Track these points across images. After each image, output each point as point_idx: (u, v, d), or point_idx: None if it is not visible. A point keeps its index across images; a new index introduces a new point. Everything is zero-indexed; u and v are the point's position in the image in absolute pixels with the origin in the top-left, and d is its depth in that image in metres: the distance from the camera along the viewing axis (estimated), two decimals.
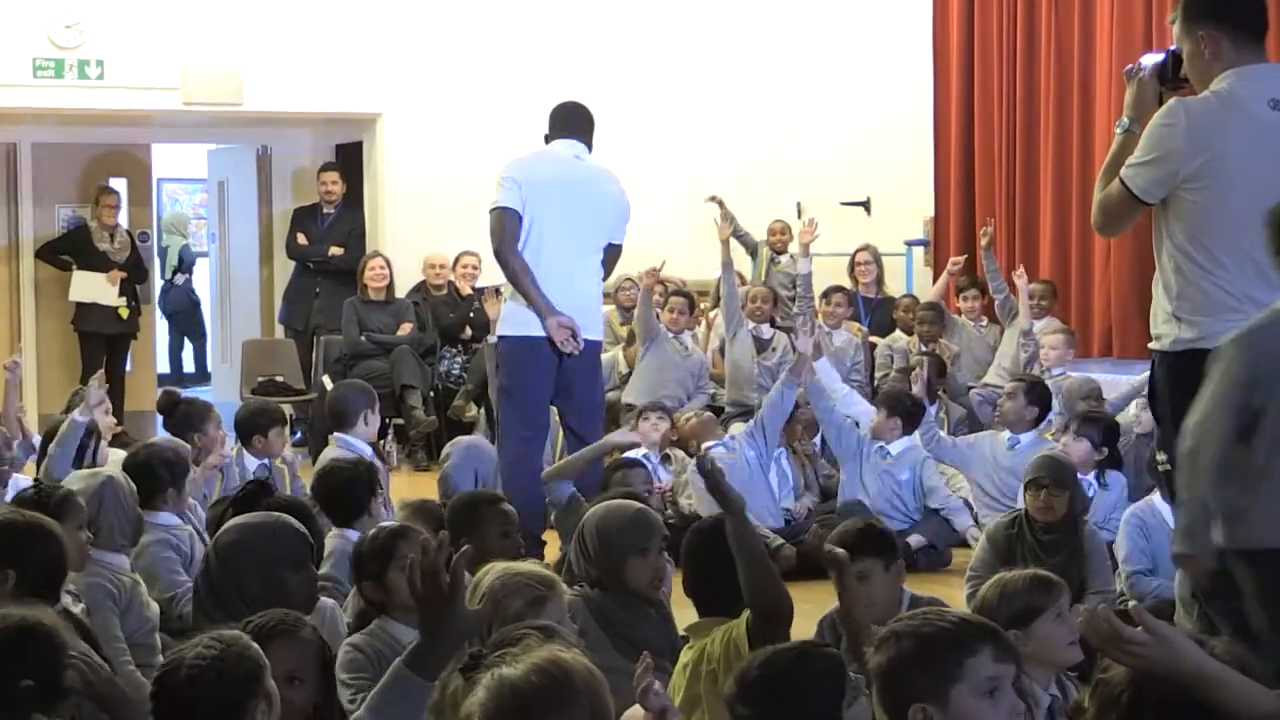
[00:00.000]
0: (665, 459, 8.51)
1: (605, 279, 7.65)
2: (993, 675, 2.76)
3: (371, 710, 2.94)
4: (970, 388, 10.01)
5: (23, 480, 6.17)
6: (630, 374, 10.49)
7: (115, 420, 8.47)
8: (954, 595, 5.81)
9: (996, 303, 10.42)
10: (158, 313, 15.62)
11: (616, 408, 9.70)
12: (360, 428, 7.02)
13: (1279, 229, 4.12)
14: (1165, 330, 4.61)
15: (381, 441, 7.33)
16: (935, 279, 11.54)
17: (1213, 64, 4.59)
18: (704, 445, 8.58)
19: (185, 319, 17.66)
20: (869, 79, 12.75)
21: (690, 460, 8.25)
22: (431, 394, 11.63)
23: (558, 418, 7.77)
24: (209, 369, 16.88)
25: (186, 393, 8.84)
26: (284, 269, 13.30)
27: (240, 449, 7.24)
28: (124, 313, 12.49)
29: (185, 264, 17.74)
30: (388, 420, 10.85)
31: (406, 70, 12.75)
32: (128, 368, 12.93)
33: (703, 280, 12.16)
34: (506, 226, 7.17)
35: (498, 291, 9.50)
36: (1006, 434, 8.27)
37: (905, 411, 8.32)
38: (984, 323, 10.73)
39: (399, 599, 3.99)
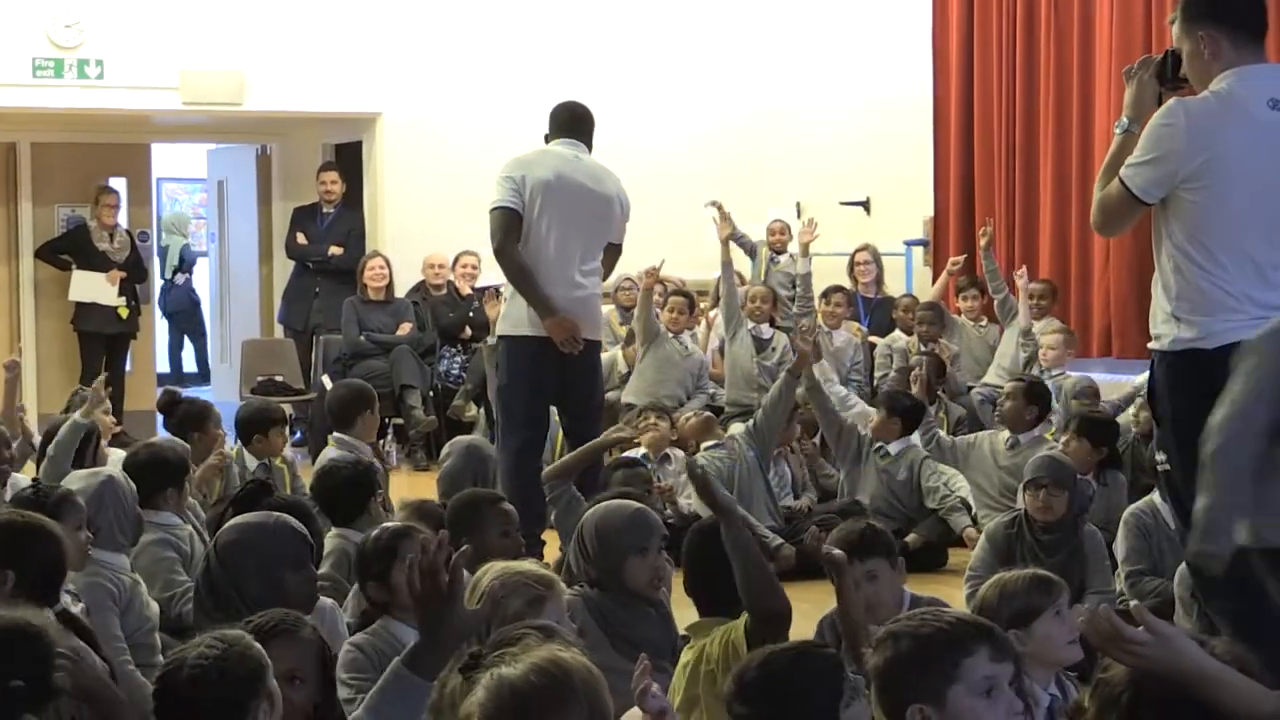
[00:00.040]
0: (665, 459, 8.51)
1: (605, 279, 7.65)
2: (989, 675, 2.76)
3: (370, 710, 2.94)
4: (970, 387, 10.02)
5: (22, 480, 6.17)
6: (630, 373, 10.49)
7: (115, 420, 8.48)
8: (954, 595, 5.81)
9: (996, 302, 10.42)
10: (157, 312, 15.62)
11: (616, 407, 9.71)
12: (359, 427, 7.03)
13: None
14: (1164, 330, 4.61)
15: (381, 441, 7.34)
16: (935, 279, 11.55)
17: (1212, 64, 4.59)
18: (704, 445, 8.59)
19: (186, 318, 17.67)
20: (869, 79, 12.75)
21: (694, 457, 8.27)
22: (431, 394, 11.63)
23: (557, 418, 7.77)
24: (210, 369, 16.89)
25: (186, 392, 8.84)
26: (283, 269, 13.30)
27: (240, 449, 7.24)
28: (123, 312, 12.49)
29: (186, 264, 17.74)
30: (387, 420, 10.85)
31: (406, 70, 12.76)
32: (127, 367, 12.94)
33: (702, 280, 12.17)
34: (506, 226, 7.17)
35: (498, 292, 9.50)
36: (1006, 434, 8.27)
37: (905, 411, 8.32)
38: (983, 322, 10.73)
39: (402, 599, 3.99)
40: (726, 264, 10.28)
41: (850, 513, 7.60)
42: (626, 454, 8.30)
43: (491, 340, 9.25)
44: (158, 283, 15.80)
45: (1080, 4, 10.90)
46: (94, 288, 12.40)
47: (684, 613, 4.44)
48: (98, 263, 12.44)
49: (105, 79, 12.15)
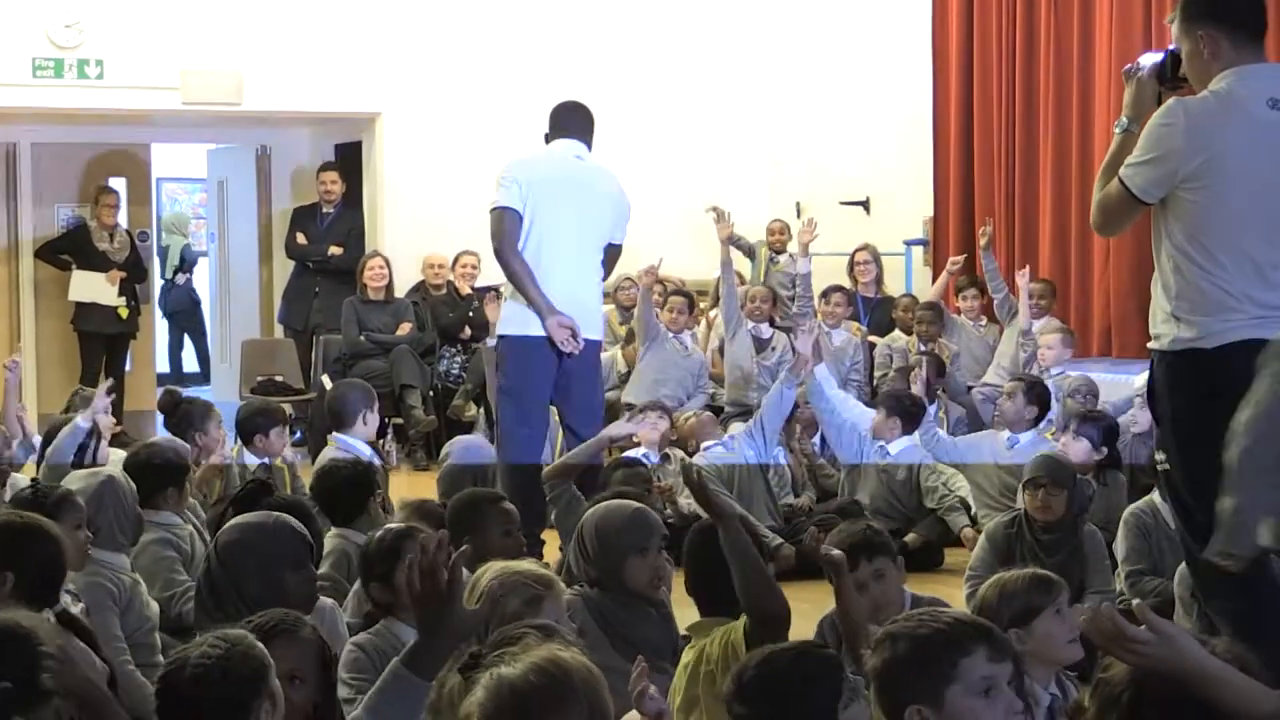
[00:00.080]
0: (665, 459, 8.52)
1: (605, 279, 7.65)
2: (987, 675, 2.76)
3: (369, 710, 2.94)
4: (970, 387, 10.02)
5: (22, 480, 6.17)
6: (629, 373, 10.50)
7: (115, 420, 8.47)
8: (953, 595, 5.81)
9: (995, 302, 10.42)
10: (157, 312, 15.62)
11: (616, 407, 9.70)
12: (359, 427, 7.03)
13: None
14: (1164, 330, 4.61)
15: (381, 441, 7.33)
16: (934, 278, 11.54)
17: (1212, 64, 4.58)
18: (703, 445, 8.59)
19: (186, 318, 17.67)
20: (868, 79, 12.75)
21: (690, 460, 8.26)
22: (431, 394, 11.63)
23: (557, 418, 7.77)
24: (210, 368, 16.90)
25: (187, 392, 8.84)
26: (283, 268, 13.30)
27: (241, 448, 7.24)
28: (123, 312, 12.49)
29: (187, 263, 17.74)
30: (387, 420, 10.85)
31: (406, 70, 12.76)
32: (127, 367, 12.94)
33: (702, 280, 12.17)
34: (507, 226, 7.16)
35: (498, 294, 9.50)
36: (1006, 434, 8.27)
37: (904, 411, 8.32)
38: (983, 322, 10.73)
39: (405, 600, 3.99)
40: (726, 264, 10.27)
41: (848, 512, 7.60)
42: (626, 454, 8.30)
43: (491, 342, 9.24)
44: (158, 283, 15.80)
45: (1080, 4, 10.89)
46: (94, 288, 12.40)
47: (685, 612, 4.44)
48: (98, 263, 12.44)
49: (105, 79, 12.15)
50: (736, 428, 8.70)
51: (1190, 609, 5.27)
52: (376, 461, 6.75)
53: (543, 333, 7.13)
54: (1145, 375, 4.98)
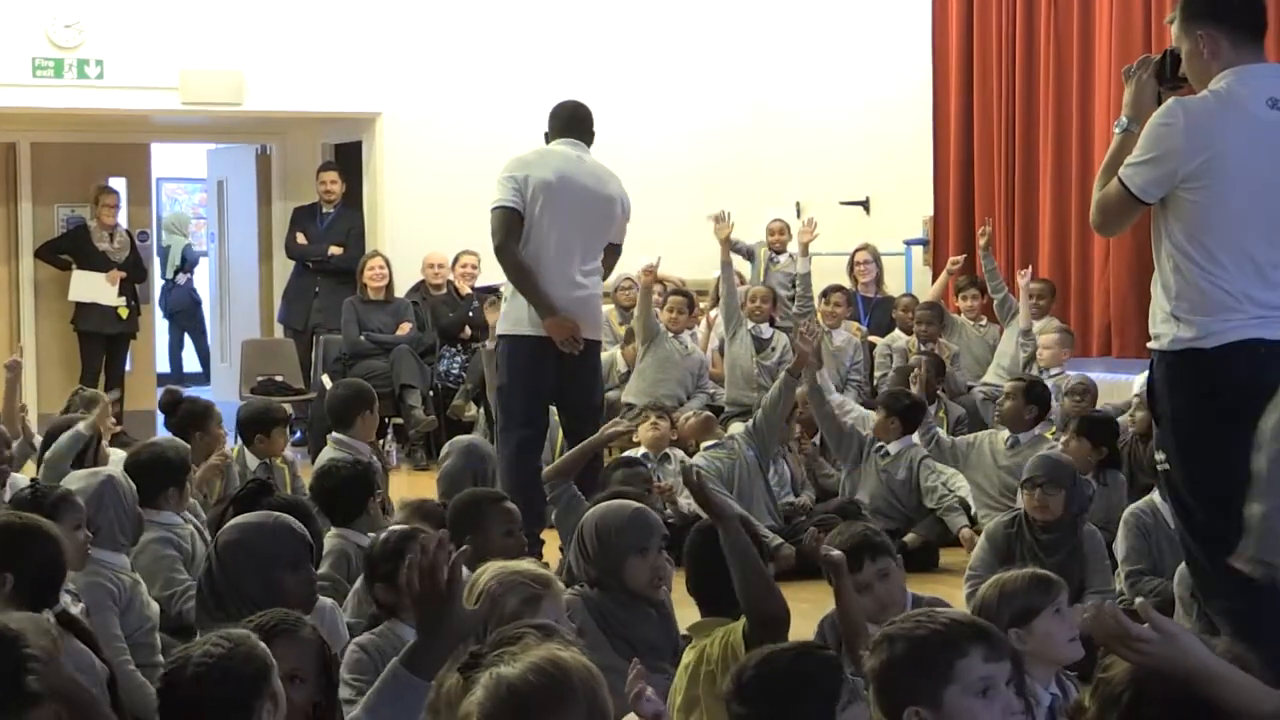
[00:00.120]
0: (665, 459, 8.51)
1: (605, 279, 7.65)
2: (985, 675, 2.76)
3: (368, 710, 2.94)
4: (970, 387, 10.02)
5: (21, 480, 6.17)
6: (629, 373, 10.49)
7: (115, 420, 8.46)
8: (953, 595, 5.81)
9: (995, 302, 10.42)
10: (157, 312, 15.62)
11: (616, 407, 9.70)
12: (359, 427, 7.02)
13: None
14: (1164, 330, 4.61)
15: (381, 441, 7.33)
16: (934, 278, 11.55)
17: (1211, 63, 4.58)
18: (704, 445, 8.59)
19: (187, 318, 17.67)
20: (868, 79, 12.75)
21: (690, 460, 8.26)
22: (431, 393, 11.63)
23: (557, 418, 7.77)
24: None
25: (187, 392, 8.83)
26: (283, 268, 13.30)
27: (241, 448, 7.24)
28: (123, 312, 12.49)
29: (188, 263, 17.74)
30: (387, 420, 10.87)
31: (406, 70, 12.76)
32: (127, 367, 12.94)
33: (702, 279, 12.17)
34: (507, 225, 7.16)
35: (497, 296, 9.50)
36: (1006, 433, 8.27)
37: (904, 411, 8.32)
38: (983, 322, 10.74)
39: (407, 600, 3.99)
40: (726, 264, 10.27)
41: (848, 512, 7.60)
42: (626, 454, 8.30)
43: (490, 345, 9.24)
44: (158, 283, 15.80)
45: (1080, 4, 10.90)
46: (94, 288, 12.40)
47: (686, 613, 4.44)
48: (98, 263, 12.43)
49: (105, 79, 12.15)
50: (736, 428, 8.70)
51: (1190, 609, 5.28)
52: (376, 462, 6.75)
53: (542, 332, 7.13)
54: (1144, 376, 4.98)
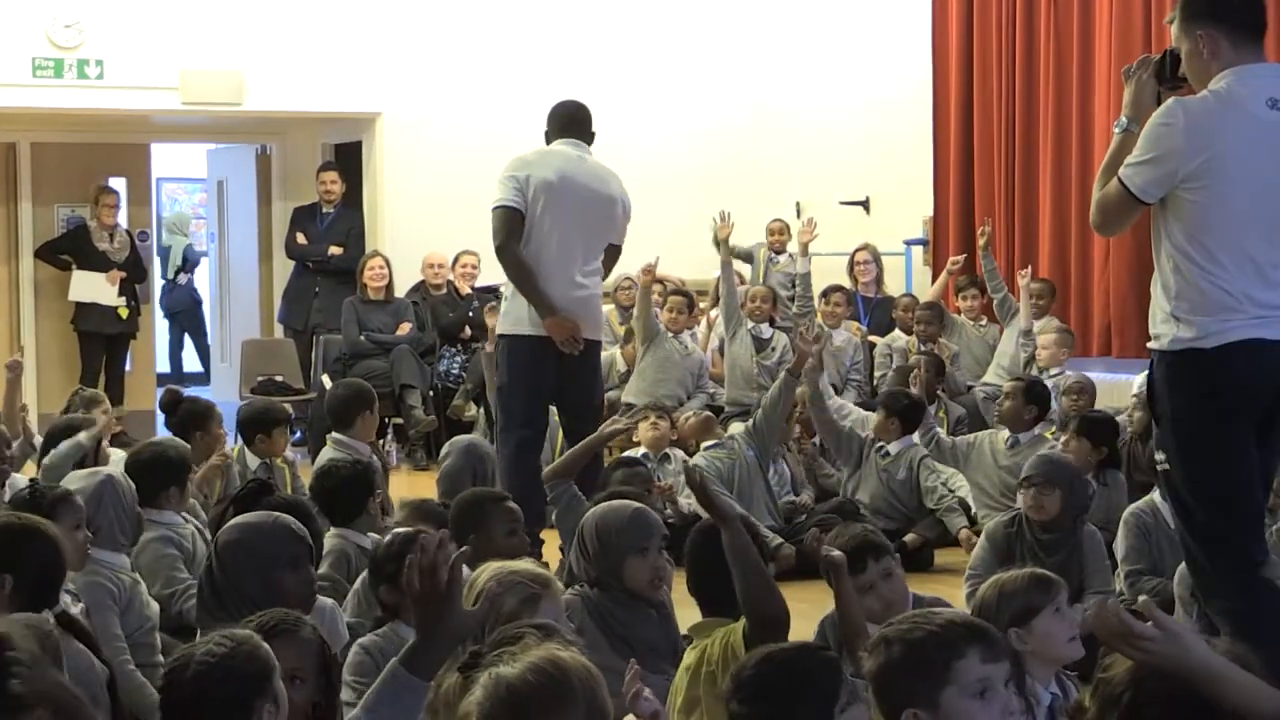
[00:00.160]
0: (665, 459, 8.51)
1: (605, 279, 7.65)
2: (982, 676, 2.76)
3: (367, 710, 2.93)
4: (970, 387, 10.02)
5: (21, 481, 6.17)
6: (629, 373, 10.50)
7: (115, 420, 8.47)
8: (953, 595, 5.81)
9: (995, 302, 10.42)
10: (158, 312, 15.63)
11: (616, 407, 9.70)
12: (359, 427, 7.02)
13: None
14: (1164, 330, 4.61)
15: (381, 441, 7.32)
16: (934, 278, 11.55)
17: (1211, 63, 4.58)
18: (704, 445, 8.59)
19: (188, 318, 17.68)
20: (868, 79, 12.75)
21: (690, 460, 8.26)
22: (431, 393, 11.63)
23: (557, 418, 7.76)
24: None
25: (187, 392, 8.84)
26: (283, 268, 13.30)
27: (242, 448, 7.24)
28: (123, 312, 12.49)
29: (189, 263, 17.75)
30: (387, 420, 10.86)
31: (406, 70, 12.76)
32: (127, 367, 12.94)
33: (702, 280, 12.17)
34: (509, 225, 7.16)
35: (497, 297, 9.49)
36: (1006, 433, 8.27)
37: (904, 411, 8.32)
38: (983, 322, 10.74)
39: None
40: (726, 264, 10.27)
41: (847, 512, 7.60)
42: (626, 454, 8.30)
43: (489, 348, 9.23)
44: (158, 283, 15.80)
45: (1080, 4, 10.90)
46: (94, 288, 12.40)
47: (687, 613, 4.44)
48: (97, 263, 12.44)
49: (105, 79, 12.15)
50: (736, 428, 8.70)
51: (1190, 609, 5.28)
52: (376, 462, 6.75)
53: (543, 332, 7.13)
54: (1144, 376, 4.98)
